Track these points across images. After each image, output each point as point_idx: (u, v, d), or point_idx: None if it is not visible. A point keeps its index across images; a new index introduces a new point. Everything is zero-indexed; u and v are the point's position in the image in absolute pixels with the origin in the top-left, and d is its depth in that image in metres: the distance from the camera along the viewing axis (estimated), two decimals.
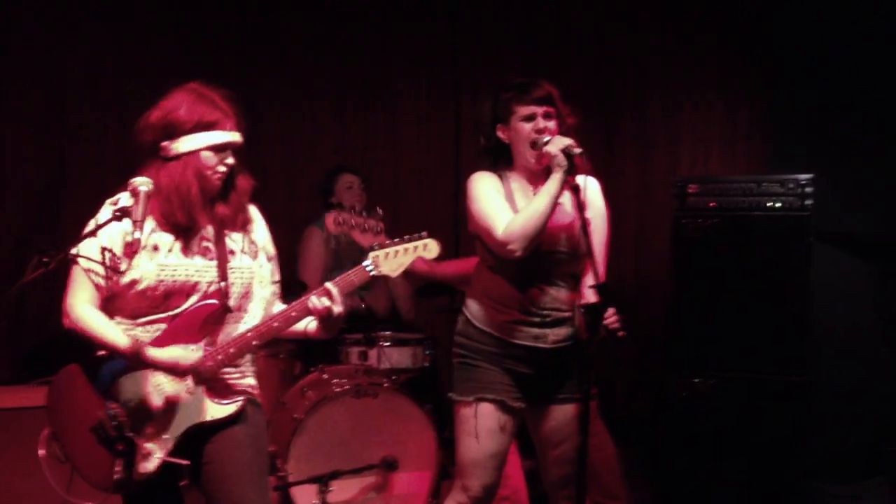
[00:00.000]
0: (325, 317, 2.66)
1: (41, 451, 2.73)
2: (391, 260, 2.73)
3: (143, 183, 2.55)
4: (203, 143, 2.61)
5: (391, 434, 4.13)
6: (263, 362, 4.54)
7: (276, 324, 2.67)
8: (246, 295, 2.74)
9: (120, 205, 2.61)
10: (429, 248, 2.77)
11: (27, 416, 3.92)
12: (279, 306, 2.80)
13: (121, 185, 2.64)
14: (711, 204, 4.29)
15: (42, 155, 5.21)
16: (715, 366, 4.26)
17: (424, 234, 2.78)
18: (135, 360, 2.59)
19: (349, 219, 3.20)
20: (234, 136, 2.65)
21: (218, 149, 2.63)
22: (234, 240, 2.74)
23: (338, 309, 2.65)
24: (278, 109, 5.74)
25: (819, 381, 4.31)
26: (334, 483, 3.90)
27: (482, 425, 3.12)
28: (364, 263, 2.72)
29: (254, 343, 2.67)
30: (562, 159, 2.94)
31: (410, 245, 2.75)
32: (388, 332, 4.72)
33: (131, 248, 2.50)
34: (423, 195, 5.86)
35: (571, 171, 2.94)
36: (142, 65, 5.33)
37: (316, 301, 2.64)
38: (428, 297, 5.07)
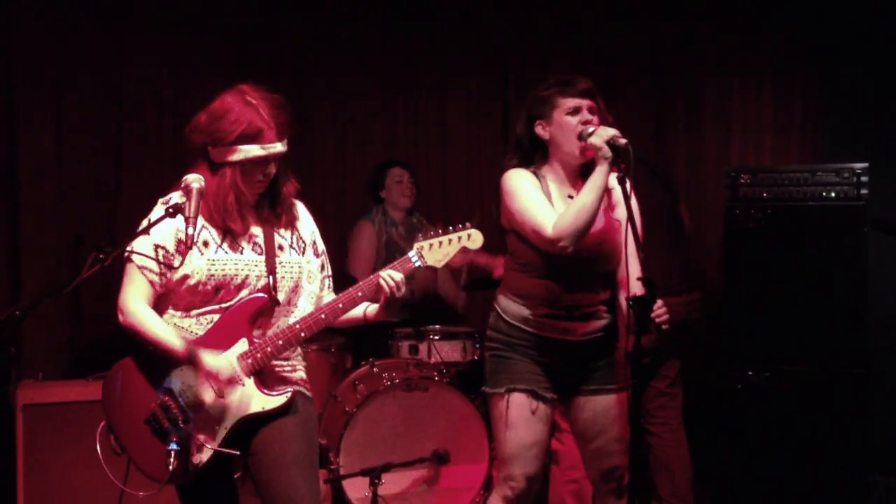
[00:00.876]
0: (390, 297, 2.70)
1: (98, 444, 2.78)
2: (435, 251, 2.74)
3: (195, 180, 2.59)
4: (243, 156, 2.62)
5: (442, 427, 4.15)
6: (315, 356, 4.60)
7: (322, 315, 2.70)
8: (295, 289, 2.78)
9: (172, 202, 2.65)
10: (473, 238, 2.76)
11: (85, 409, 4.00)
12: (330, 297, 2.83)
13: (175, 185, 2.68)
14: (764, 194, 4.24)
15: (99, 155, 5.29)
16: (769, 358, 4.20)
17: (469, 224, 2.78)
18: (186, 361, 2.65)
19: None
20: (275, 148, 2.64)
21: (258, 161, 2.64)
22: (282, 236, 2.78)
23: (402, 290, 2.70)
24: (329, 105, 5.78)
25: (876, 373, 4.24)
26: (386, 476, 3.93)
27: (515, 415, 3.14)
28: (409, 254, 2.74)
29: (301, 335, 2.69)
30: (607, 151, 2.93)
31: (455, 235, 2.75)
32: (437, 326, 4.74)
33: (184, 245, 2.53)
34: (470, 190, 5.86)
35: (616, 163, 2.92)
36: (197, 66, 5.39)
37: (387, 278, 2.68)
38: (476, 290, 5.08)
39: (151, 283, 2.69)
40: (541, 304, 3.15)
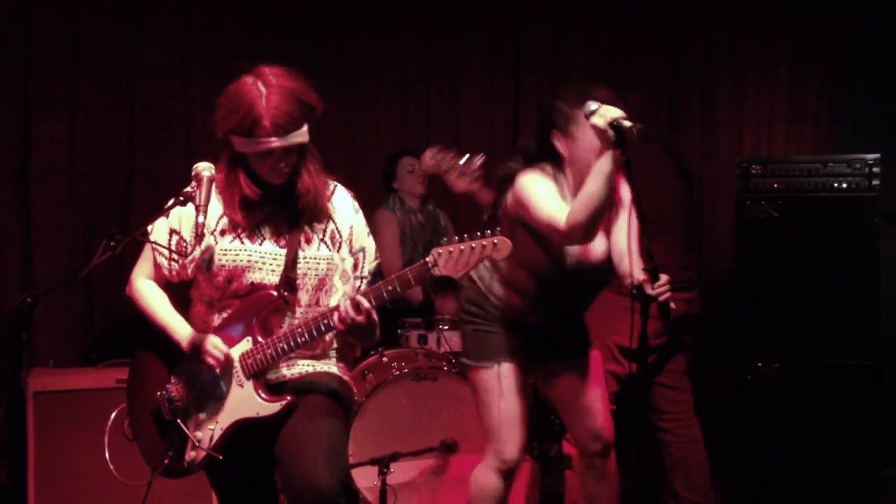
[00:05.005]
0: (350, 328, 2.49)
1: (109, 428, 2.79)
2: (454, 260, 2.42)
3: (205, 168, 2.57)
4: (244, 147, 2.52)
5: (451, 417, 4.14)
6: None
7: (324, 321, 2.53)
8: (321, 288, 2.66)
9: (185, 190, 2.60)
10: (498, 247, 2.43)
11: (96, 397, 4.01)
12: None
13: (187, 173, 2.64)
14: (775, 185, 4.22)
15: (112, 144, 5.31)
16: (780, 350, 4.19)
17: (497, 229, 2.46)
18: (182, 343, 2.62)
19: (446, 158, 3.16)
20: (277, 143, 2.48)
21: (261, 154, 2.51)
22: (314, 229, 2.66)
23: (360, 319, 2.45)
24: (342, 94, 5.78)
25: (888, 364, 4.22)
26: (394, 465, 3.92)
27: (507, 385, 3.19)
28: (426, 260, 2.45)
29: (300, 340, 2.55)
30: (610, 133, 2.74)
31: (477, 244, 2.42)
32: (446, 316, 4.73)
33: (197, 233, 2.49)
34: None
35: (620, 145, 2.74)
36: (210, 55, 5.40)
37: (343, 309, 2.46)
38: None
39: (159, 265, 2.66)
40: (528, 300, 3.18)
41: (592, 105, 2.81)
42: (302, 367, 2.72)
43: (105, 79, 5.29)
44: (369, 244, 2.77)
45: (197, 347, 2.57)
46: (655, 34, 5.62)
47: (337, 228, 2.70)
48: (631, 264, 2.95)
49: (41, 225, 5.10)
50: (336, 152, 5.77)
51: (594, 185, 2.83)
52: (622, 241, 3.01)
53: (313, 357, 2.74)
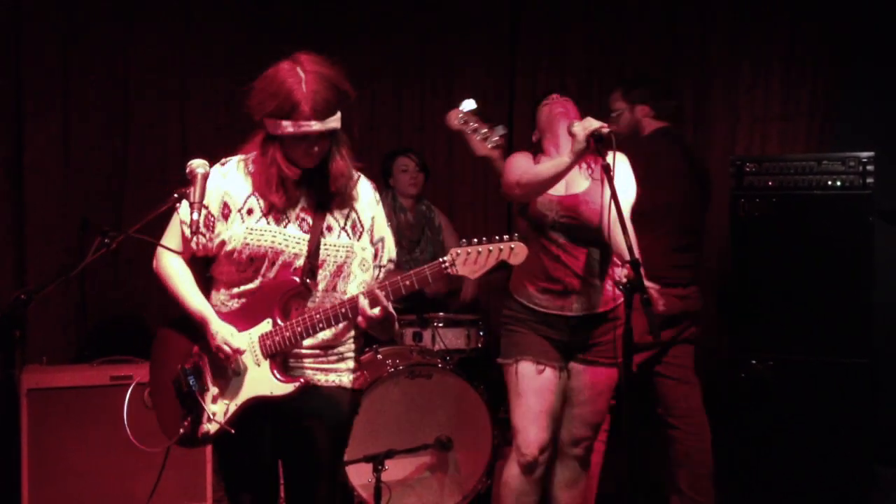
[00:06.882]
0: (366, 322, 2.57)
1: (128, 392, 2.92)
2: (471, 262, 2.52)
3: (199, 165, 2.58)
4: (280, 130, 2.54)
5: (445, 414, 4.15)
6: None
7: (343, 309, 2.60)
8: (339, 274, 2.70)
9: (240, 173, 2.68)
10: (515, 251, 2.53)
11: (89, 394, 4.02)
12: None
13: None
14: (769, 183, 4.23)
15: (106, 143, 5.29)
16: (774, 347, 4.20)
17: (515, 235, 2.56)
18: (199, 324, 2.66)
19: (471, 121, 3.37)
20: (310, 126, 2.51)
21: (296, 137, 2.54)
22: (336, 217, 2.70)
23: (378, 315, 2.54)
24: None
25: (881, 363, 4.23)
26: (389, 462, 3.93)
27: (524, 383, 3.39)
28: (444, 259, 2.54)
29: (319, 326, 2.61)
30: (582, 142, 3.09)
31: (494, 247, 2.52)
32: (441, 313, 4.74)
33: (192, 229, 2.53)
34: (476, 175, 5.85)
35: (599, 152, 3.07)
36: (205, 50, 5.38)
37: (360, 303, 2.54)
38: (481, 279, 5.05)
39: (187, 239, 2.67)
40: (538, 278, 3.39)
41: (575, 123, 3.18)
42: (312, 373, 2.74)
43: (99, 74, 5.27)
44: (388, 234, 2.83)
45: (213, 338, 2.63)
46: (650, 33, 5.61)
47: (359, 217, 2.75)
48: (620, 257, 3.19)
49: (35, 221, 5.08)
50: None
51: (548, 169, 3.25)
52: (618, 236, 3.10)
53: (328, 352, 2.75)
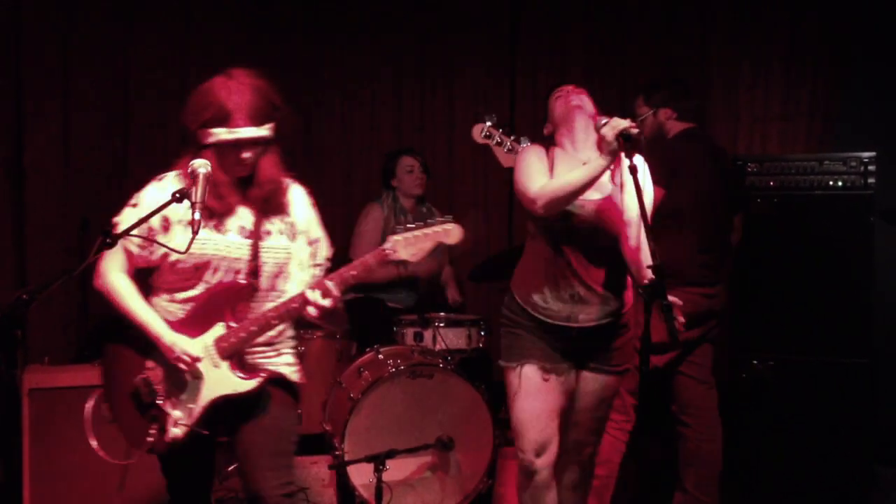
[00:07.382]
0: (319, 313, 2.66)
1: (87, 406, 2.84)
2: (410, 246, 2.67)
3: (201, 165, 2.58)
4: (214, 138, 2.64)
5: (446, 414, 4.15)
6: (320, 343, 4.62)
7: (294, 305, 2.69)
8: (279, 275, 2.80)
9: (165, 181, 2.73)
10: (450, 234, 2.69)
11: (91, 394, 4.00)
12: None
13: (172, 164, 2.76)
14: (771, 183, 4.23)
15: (106, 143, 5.29)
16: (775, 347, 4.21)
17: (449, 217, 2.71)
18: (151, 339, 2.72)
19: (495, 135, 3.35)
20: (244, 133, 2.64)
21: (228, 145, 2.64)
22: (273, 222, 2.79)
23: (328, 304, 2.64)
24: (337, 91, 5.77)
25: (882, 363, 4.23)
26: (390, 462, 3.92)
27: (526, 386, 3.29)
28: (384, 246, 2.69)
29: (273, 322, 2.71)
30: (613, 143, 2.94)
31: (430, 230, 2.68)
32: (442, 313, 4.74)
33: (194, 229, 2.52)
34: (477, 175, 5.85)
35: (628, 154, 2.93)
36: (205, 50, 5.39)
37: (310, 296, 2.65)
38: (482, 279, 5.07)
39: (129, 252, 2.74)
40: (543, 285, 3.25)
41: (602, 119, 3.04)
42: (271, 349, 2.84)
43: (99, 74, 5.27)
44: (323, 235, 2.92)
45: (169, 350, 2.70)
46: (650, 33, 5.61)
47: (293, 221, 2.84)
48: (641, 263, 3.05)
49: (35, 221, 5.08)
50: (331, 148, 5.78)
51: (578, 176, 3.04)
52: (642, 240, 3.04)
53: (270, 344, 2.84)
